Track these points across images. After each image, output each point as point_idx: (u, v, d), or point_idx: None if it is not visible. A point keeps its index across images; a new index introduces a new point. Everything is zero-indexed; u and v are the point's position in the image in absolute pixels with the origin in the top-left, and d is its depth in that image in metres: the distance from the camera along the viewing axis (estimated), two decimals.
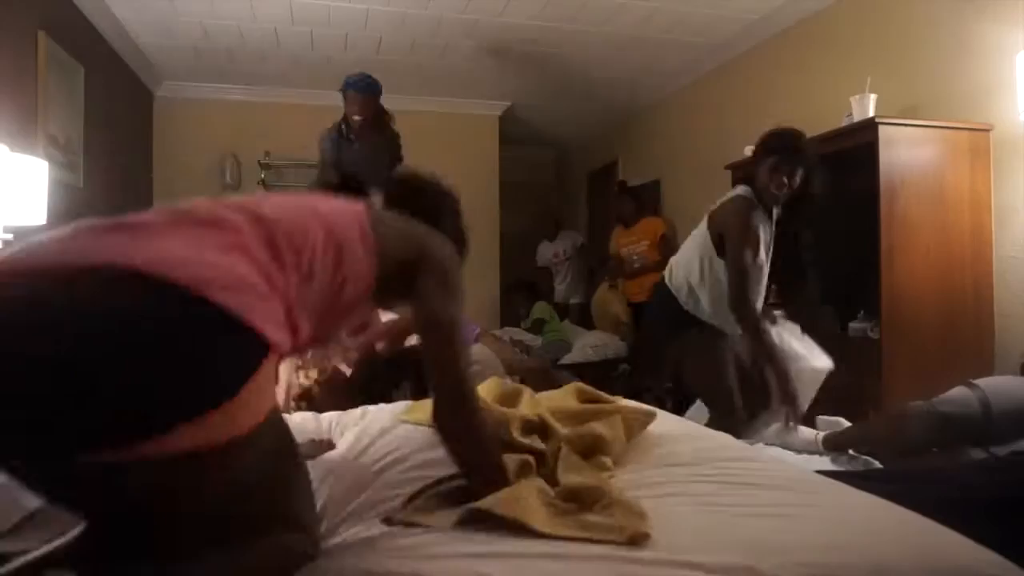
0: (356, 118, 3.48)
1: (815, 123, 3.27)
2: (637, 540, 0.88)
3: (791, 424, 2.13)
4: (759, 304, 2.36)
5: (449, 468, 1.12)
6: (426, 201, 1.32)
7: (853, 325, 2.79)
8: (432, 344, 1.08)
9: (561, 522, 0.95)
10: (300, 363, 3.21)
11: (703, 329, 2.42)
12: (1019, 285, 2.57)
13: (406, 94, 5.57)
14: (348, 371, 2.33)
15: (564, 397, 1.64)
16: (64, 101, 3.42)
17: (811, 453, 2.03)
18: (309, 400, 2.96)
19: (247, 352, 0.77)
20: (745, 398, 2.37)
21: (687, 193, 4.91)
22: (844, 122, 2.90)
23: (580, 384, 1.72)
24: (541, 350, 4.94)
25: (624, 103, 5.65)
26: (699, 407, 2.66)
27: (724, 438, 1.57)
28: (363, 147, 3.50)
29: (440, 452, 1.12)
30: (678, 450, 1.36)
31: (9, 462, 0.72)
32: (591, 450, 1.28)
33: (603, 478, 1.18)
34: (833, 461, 1.95)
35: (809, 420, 2.24)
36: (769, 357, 2.23)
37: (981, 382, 1.92)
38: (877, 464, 1.91)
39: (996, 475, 1.55)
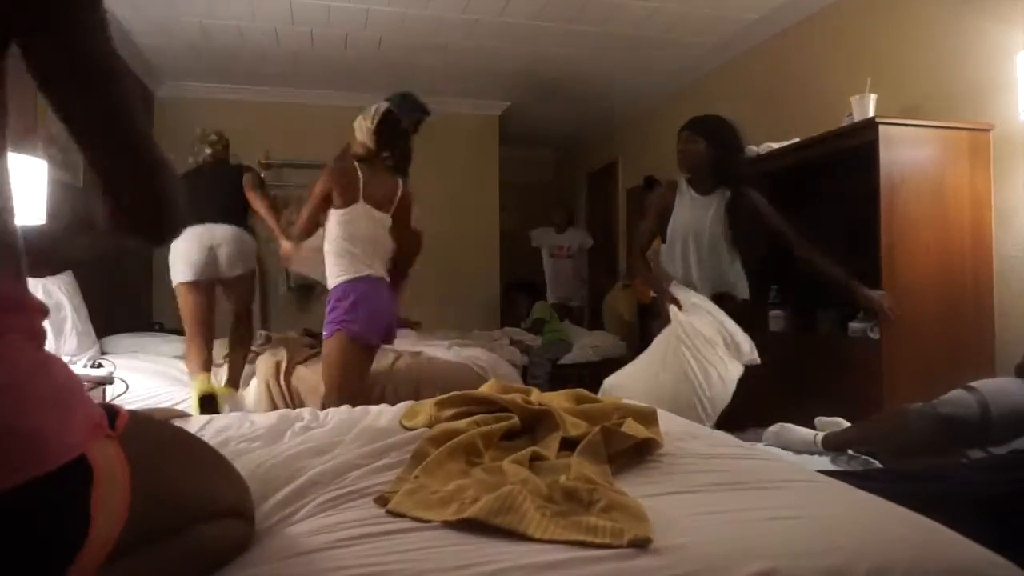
0: None
1: (815, 123, 3.27)
2: (638, 544, 0.88)
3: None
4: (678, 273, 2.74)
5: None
6: None
7: (853, 325, 2.79)
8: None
9: (557, 524, 0.94)
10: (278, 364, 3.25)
11: None
12: (1019, 285, 2.57)
13: None
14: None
15: (561, 401, 1.65)
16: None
17: (811, 453, 2.03)
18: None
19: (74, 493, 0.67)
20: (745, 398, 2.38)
21: None
22: (844, 122, 2.90)
23: (580, 390, 1.72)
24: (541, 350, 4.94)
25: (624, 103, 5.64)
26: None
27: (724, 437, 1.57)
28: None
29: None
30: (678, 450, 1.36)
31: None
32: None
33: (607, 473, 1.18)
34: (832, 461, 1.95)
35: (806, 421, 2.24)
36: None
37: (979, 384, 1.92)
38: (877, 464, 1.91)
39: (995, 474, 1.55)
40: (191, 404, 2.99)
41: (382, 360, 3.11)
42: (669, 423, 1.57)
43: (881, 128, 2.57)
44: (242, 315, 3.42)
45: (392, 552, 0.88)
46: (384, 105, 2.75)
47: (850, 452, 1.98)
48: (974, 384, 1.92)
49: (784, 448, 2.07)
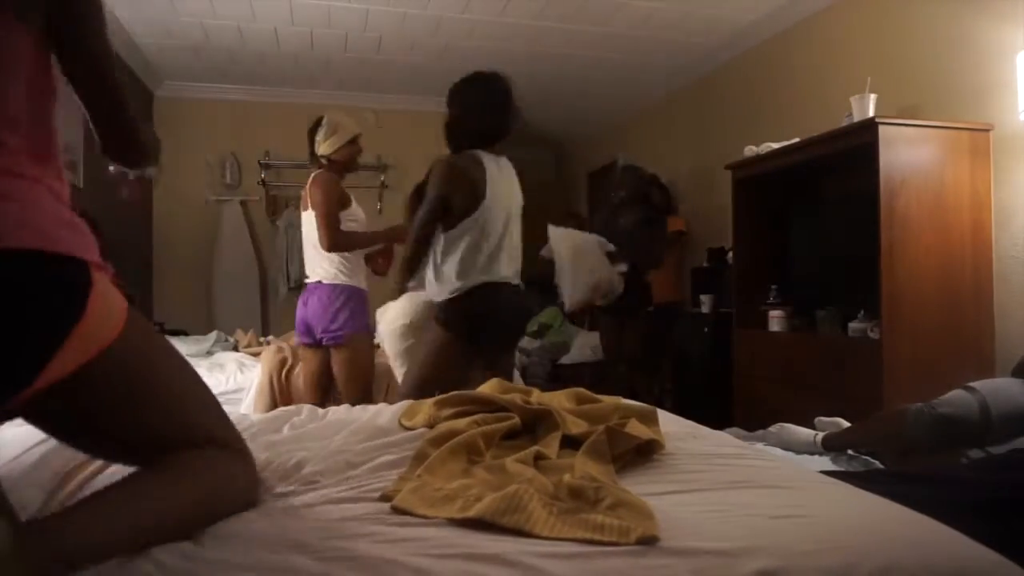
0: None
1: (815, 123, 3.28)
2: (645, 542, 0.88)
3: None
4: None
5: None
6: None
7: (853, 325, 2.79)
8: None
9: (564, 522, 0.94)
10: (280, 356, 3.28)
11: None
12: (1019, 285, 2.57)
13: (406, 94, 5.58)
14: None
15: (562, 401, 1.65)
16: (64, 101, 3.41)
17: (811, 453, 2.03)
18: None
19: (76, 279, 0.87)
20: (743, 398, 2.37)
21: (687, 193, 4.91)
22: (844, 122, 2.90)
23: (579, 390, 1.72)
24: (541, 350, 4.95)
25: (624, 103, 5.65)
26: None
27: (725, 437, 1.56)
28: None
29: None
30: (680, 449, 1.36)
31: None
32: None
33: (611, 473, 1.18)
34: (833, 461, 1.95)
35: (807, 421, 2.24)
36: None
37: (978, 384, 1.92)
38: (878, 464, 1.91)
39: (997, 474, 1.55)
40: None
41: (381, 358, 3.12)
42: (669, 423, 1.57)
43: (881, 128, 2.57)
44: None
45: (399, 541, 0.89)
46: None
47: (850, 452, 1.98)
48: (973, 384, 1.92)
49: (784, 448, 2.07)
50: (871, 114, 2.75)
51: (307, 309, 2.77)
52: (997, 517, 1.29)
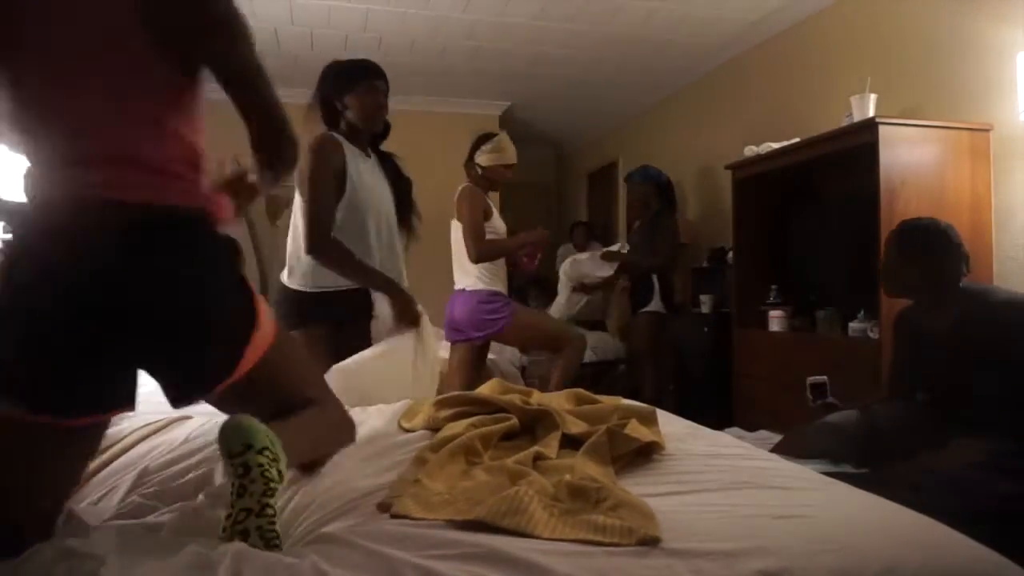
0: None
1: (815, 123, 3.28)
2: (647, 542, 0.88)
3: None
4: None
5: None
6: None
7: (853, 325, 2.79)
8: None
9: (565, 523, 0.94)
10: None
11: None
12: (1019, 285, 2.57)
13: (406, 94, 5.56)
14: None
15: (561, 401, 1.64)
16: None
17: None
18: None
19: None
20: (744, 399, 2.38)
21: (687, 193, 4.90)
22: (844, 122, 2.90)
23: (579, 390, 1.72)
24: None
25: (624, 103, 5.64)
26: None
27: (725, 437, 1.56)
28: None
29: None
30: (680, 449, 1.36)
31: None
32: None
33: (611, 474, 1.17)
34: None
35: (807, 421, 2.25)
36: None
37: (872, 404, 2.13)
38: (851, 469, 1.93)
39: (997, 475, 1.55)
40: None
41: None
42: (669, 423, 1.56)
43: (881, 128, 2.57)
44: None
45: (398, 540, 0.89)
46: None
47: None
48: (868, 403, 2.14)
49: None
50: (871, 114, 2.75)
51: (453, 313, 3.05)
52: (998, 516, 1.29)
